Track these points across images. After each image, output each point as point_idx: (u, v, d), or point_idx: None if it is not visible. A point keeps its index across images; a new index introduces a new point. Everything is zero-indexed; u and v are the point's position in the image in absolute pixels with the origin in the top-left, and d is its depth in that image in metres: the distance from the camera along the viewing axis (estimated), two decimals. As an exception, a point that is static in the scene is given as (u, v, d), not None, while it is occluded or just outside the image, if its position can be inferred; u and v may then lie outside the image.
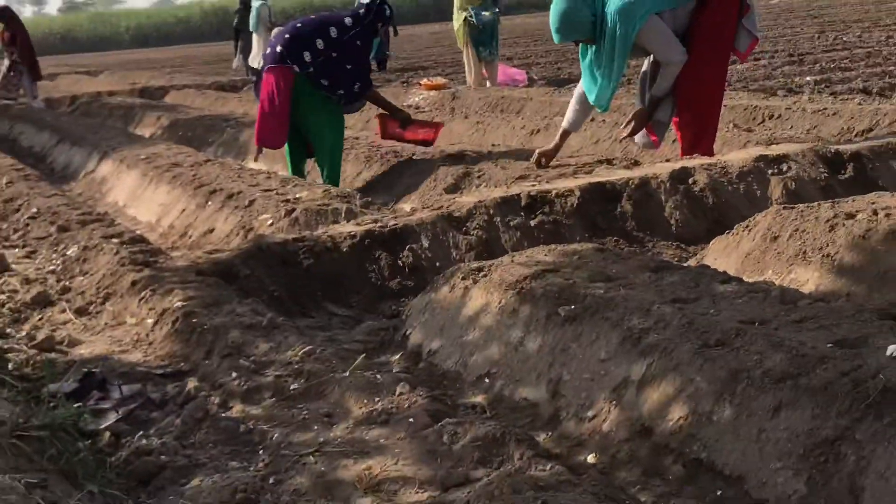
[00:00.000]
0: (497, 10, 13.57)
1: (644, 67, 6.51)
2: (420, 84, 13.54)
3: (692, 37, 6.03)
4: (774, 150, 5.64)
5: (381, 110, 7.96)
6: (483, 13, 13.24)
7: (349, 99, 7.53)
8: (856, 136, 7.19)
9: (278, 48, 7.24)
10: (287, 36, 7.29)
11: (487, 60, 13.61)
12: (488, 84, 13.43)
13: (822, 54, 13.84)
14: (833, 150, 5.64)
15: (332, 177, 7.40)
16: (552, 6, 6.15)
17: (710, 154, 6.15)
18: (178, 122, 12.75)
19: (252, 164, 8.49)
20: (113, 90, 20.20)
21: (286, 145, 7.53)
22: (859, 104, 7.92)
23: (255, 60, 20.58)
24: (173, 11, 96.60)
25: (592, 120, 8.45)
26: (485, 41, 13.51)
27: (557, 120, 9.22)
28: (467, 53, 13.80)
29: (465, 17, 13.36)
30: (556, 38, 6.29)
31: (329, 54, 7.21)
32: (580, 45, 6.34)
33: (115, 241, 5.34)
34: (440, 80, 13.52)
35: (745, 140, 7.02)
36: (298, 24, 7.47)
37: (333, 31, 7.24)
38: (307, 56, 7.16)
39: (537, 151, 6.66)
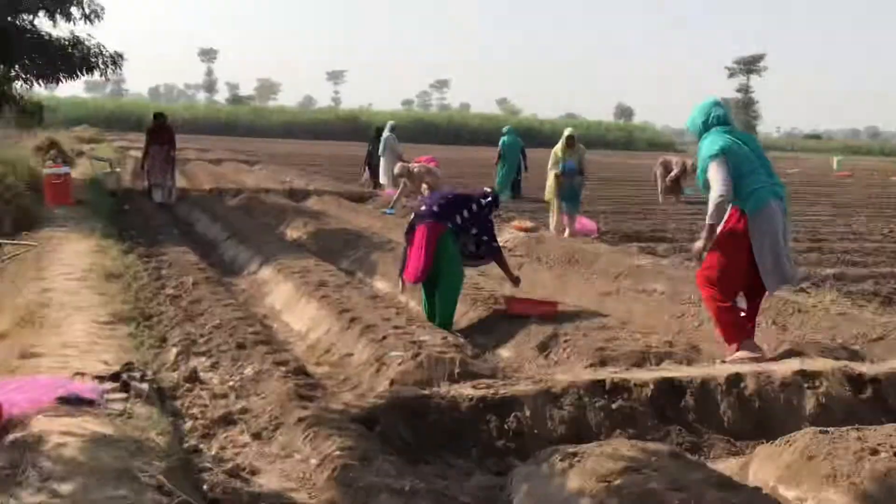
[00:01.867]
0: (583, 175, 13.76)
1: None
2: (513, 225, 13.63)
3: None
4: (810, 367, 5.58)
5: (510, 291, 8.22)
6: (568, 179, 13.43)
7: (476, 256, 7.88)
8: (870, 342, 7.11)
9: (435, 208, 7.60)
10: (443, 201, 7.72)
11: (568, 212, 13.72)
12: (567, 232, 13.52)
13: (837, 243, 13.66)
14: (858, 373, 5.57)
15: (448, 315, 7.54)
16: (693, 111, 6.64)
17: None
18: (320, 232, 13.00)
19: (395, 292, 8.60)
20: (268, 188, 20.60)
21: (422, 285, 7.70)
22: (873, 314, 7.81)
23: (383, 179, 21.00)
24: (315, 113, 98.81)
25: (660, 293, 8.50)
26: (568, 198, 13.65)
27: (626, 283, 9.28)
28: (553, 205, 13.95)
29: (555, 174, 13.57)
30: (689, 123, 6.70)
31: (470, 222, 7.66)
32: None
33: (282, 368, 5.47)
34: (529, 224, 13.60)
35: (781, 339, 6.99)
36: (451, 195, 7.94)
37: (474, 207, 7.73)
38: (457, 219, 7.57)
39: (695, 248, 6.62)
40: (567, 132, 13.84)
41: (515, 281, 8.11)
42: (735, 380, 5.35)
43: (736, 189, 6.22)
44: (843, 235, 14.79)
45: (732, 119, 6.80)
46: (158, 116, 18.27)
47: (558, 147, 13.75)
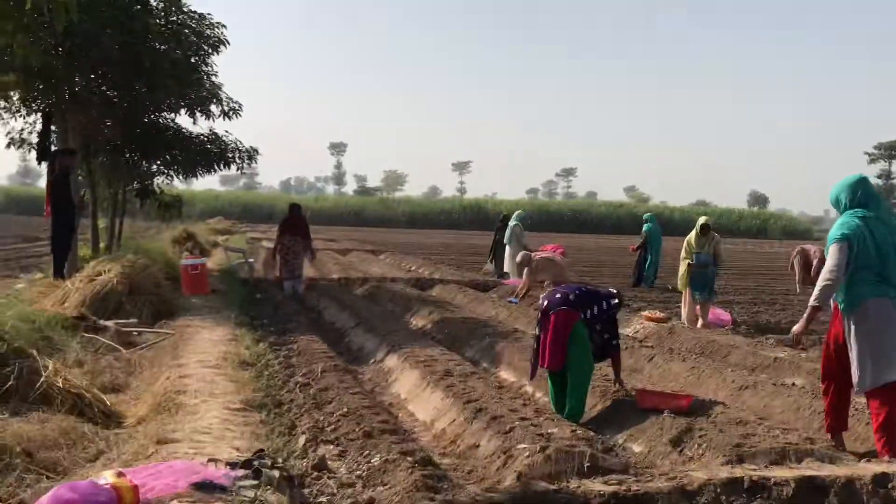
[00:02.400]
0: (716, 264, 13.55)
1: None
2: (643, 315, 13.45)
3: None
4: None
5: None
6: (701, 268, 13.27)
7: (602, 350, 7.88)
8: None
9: (571, 297, 7.68)
10: (578, 291, 7.82)
11: (701, 302, 13.48)
12: (700, 323, 13.25)
13: None
14: None
15: (578, 406, 7.50)
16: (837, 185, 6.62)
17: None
18: (445, 321, 13.08)
19: (522, 382, 8.60)
20: (394, 276, 20.95)
21: (549, 376, 7.68)
22: None
23: (507, 268, 21.12)
24: (439, 203, 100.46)
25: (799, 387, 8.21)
26: (701, 287, 13.43)
27: (763, 377, 8.98)
28: (685, 294, 13.75)
29: (689, 263, 13.41)
30: (830, 197, 6.67)
31: (598, 318, 7.76)
32: None
33: (409, 458, 5.48)
34: (659, 314, 13.41)
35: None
36: (585, 289, 8.01)
37: (604, 305, 7.82)
38: (589, 313, 7.68)
39: (794, 330, 6.90)
40: (701, 221, 13.71)
41: (621, 383, 8.09)
42: (882, 480, 5.08)
43: (846, 280, 6.33)
44: None
45: (880, 200, 6.64)
46: (294, 207, 18.18)
47: (692, 236, 13.62)
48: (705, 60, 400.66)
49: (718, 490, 4.94)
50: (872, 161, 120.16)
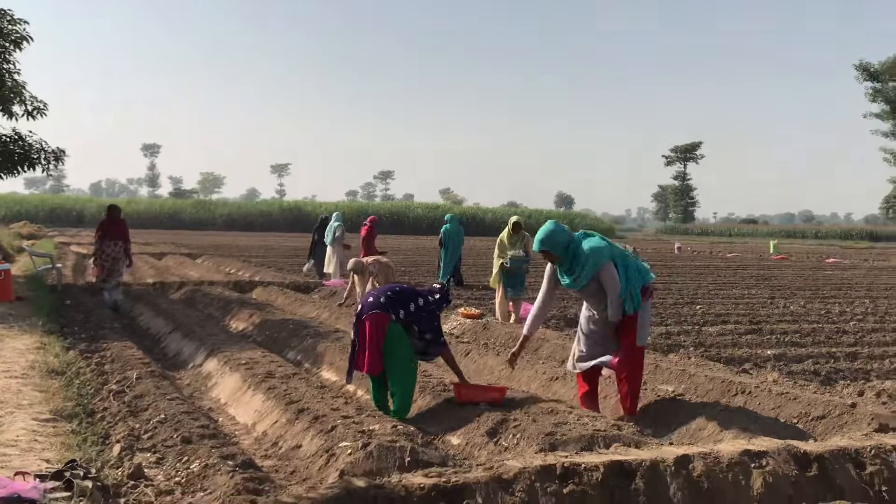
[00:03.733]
0: (528, 258, 13.87)
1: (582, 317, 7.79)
2: (459, 312, 13.67)
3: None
4: (756, 446, 5.62)
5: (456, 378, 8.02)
6: (513, 265, 13.61)
7: (425, 349, 7.74)
8: (812, 420, 7.23)
9: (382, 299, 7.50)
10: (389, 293, 7.60)
11: (513, 298, 13.84)
12: (512, 318, 13.60)
13: (776, 324, 13.91)
14: (802, 451, 5.63)
15: (404, 406, 7.44)
16: (544, 227, 7.57)
17: (635, 409, 7.55)
18: (266, 323, 12.88)
19: (338, 381, 8.53)
20: (213, 280, 20.42)
21: (371, 379, 7.58)
22: (814, 393, 7.95)
23: (329, 268, 20.97)
24: (258, 205, 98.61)
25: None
26: (513, 284, 13.78)
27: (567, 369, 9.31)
28: (498, 291, 14.07)
29: (502, 263, 13.72)
30: (537, 246, 7.50)
31: (415, 317, 7.58)
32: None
33: (230, 462, 5.37)
34: (475, 311, 13.67)
35: (726, 420, 7.07)
36: (398, 288, 7.76)
37: (421, 301, 7.65)
38: (402, 313, 7.49)
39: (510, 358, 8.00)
40: (513, 219, 14.07)
41: (460, 376, 7.97)
42: (683, 461, 5.36)
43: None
44: (782, 317, 15.07)
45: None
46: (113, 209, 16.42)
47: (504, 234, 13.96)
48: (507, 72, 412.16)
49: (533, 477, 5.07)
50: (669, 163, 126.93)
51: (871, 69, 78.81)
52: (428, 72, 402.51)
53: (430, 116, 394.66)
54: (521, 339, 7.95)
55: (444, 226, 20.57)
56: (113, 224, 15.95)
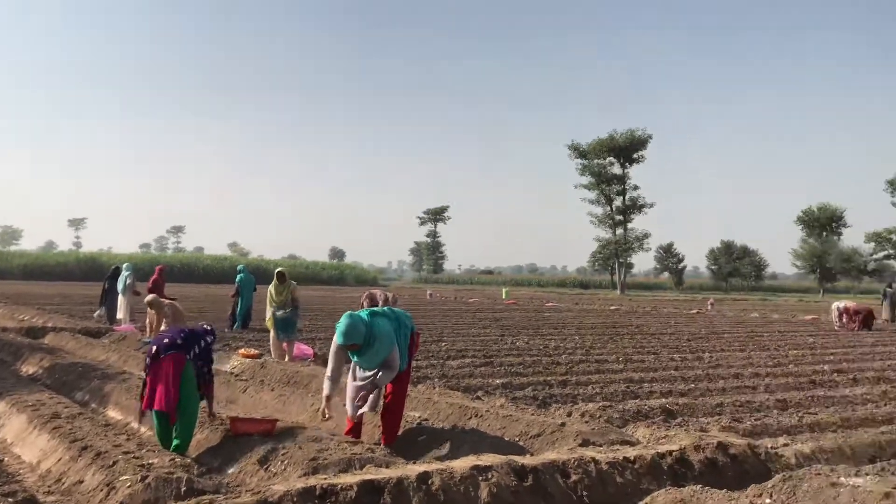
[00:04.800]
0: (296, 308, 13.77)
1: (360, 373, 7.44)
2: (240, 352, 13.26)
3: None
4: (484, 462, 5.80)
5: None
6: (281, 311, 13.50)
7: (206, 382, 7.44)
8: (530, 438, 7.54)
9: (179, 340, 7.15)
10: (183, 335, 7.26)
11: (286, 340, 13.62)
12: (286, 357, 13.36)
13: (505, 357, 14.45)
14: (520, 464, 5.86)
15: (186, 440, 7.04)
16: (342, 321, 7.06)
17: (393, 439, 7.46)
18: (56, 366, 11.89)
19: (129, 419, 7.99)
20: (5, 326, 18.64)
21: (156, 416, 7.09)
22: (532, 415, 8.31)
23: (120, 313, 19.78)
24: (55, 256, 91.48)
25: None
26: (284, 328, 13.60)
27: (337, 399, 9.22)
28: (272, 334, 13.82)
29: (273, 312, 13.53)
30: (340, 339, 7.04)
31: (202, 354, 7.33)
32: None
33: (10, 499, 4.89)
34: (253, 351, 13.29)
35: (462, 439, 7.24)
36: (188, 330, 7.43)
37: (202, 343, 7.38)
38: (193, 353, 7.19)
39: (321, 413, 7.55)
40: (277, 271, 14.03)
41: (211, 416, 7.66)
42: (424, 477, 5.43)
43: None
44: (509, 352, 15.68)
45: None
46: None
47: (273, 284, 13.82)
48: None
49: (295, 499, 4.96)
50: (423, 223, 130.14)
51: (581, 148, 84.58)
52: (207, 133, 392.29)
53: (215, 175, 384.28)
54: (324, 400, 7.48)
55: (239, 275, 20.05)
56: None
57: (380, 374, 7.27)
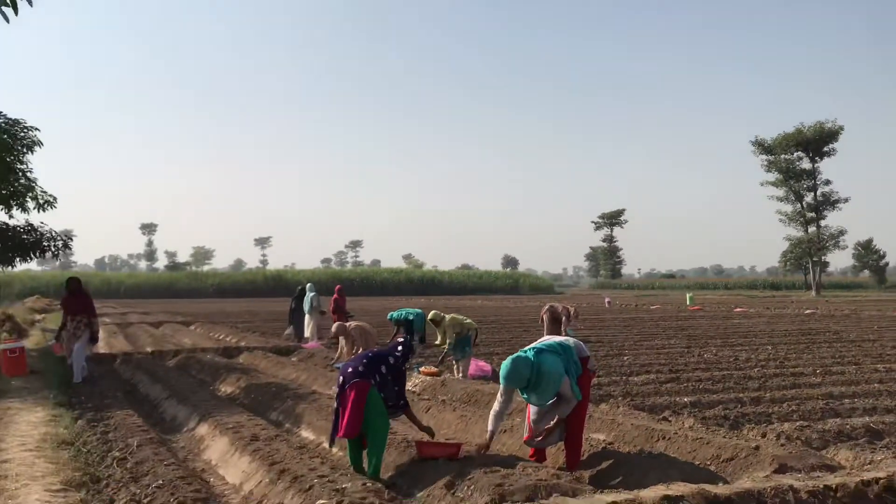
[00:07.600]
0: (466, 339, 14.05)
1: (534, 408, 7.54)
2: (420, 371, 13.69)
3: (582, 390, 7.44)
4: (674, 491, 5.70)
5: (419, 435, 8.08)
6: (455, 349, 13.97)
7: (395, 409, 7.66)
8: (722, 462, 7.31)
9: (360, 368, 7.42)
10: (365, 361, 7.51)
11: (461, 360, 13.91)
12: (459, 375, 13.68)
13: (692, 372, 14.04)
14: (713, 494, 5.71)
15: (378, 464, 7.33)
16: (505, 364, 7.20)
17: (576, 464, 7.47)
18: (251, 386, 12.77)
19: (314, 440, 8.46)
20: (204, 346, 20.22)
21: (348, 441, 7.48)
22: (724, 437, 8.05)
23: (307, 332, 20.95)
24: (244, 274, 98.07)
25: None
26: (454, 349, 13.92)
27: (517, 421, 9.33)
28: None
29: (448, 344, 13.92)
30: (503, 382, 7.20)
31: (389, 375, 7.55)
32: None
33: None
34: (434, 370, 13.69)
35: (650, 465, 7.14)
36: (370, 354, 7.68)
37: (391, 360, 7.61)
38: (377, 376, 7.43)
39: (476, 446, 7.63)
40: (428, 317, 14.67)
41: (427, 431, 7.96)
42: (608, 509, 5.42)
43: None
44: (697, 365, 15.21)
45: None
46: (71, 282, 13.99)
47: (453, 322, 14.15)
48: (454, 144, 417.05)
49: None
50: (598, 228, 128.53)
51: (766, 144, 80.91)
52: (384, 153, 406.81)
53: (392, 190, 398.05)
54: (488, 435, 7.52)
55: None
56: (73, 297, 13.90)
57: (556, 409, 7.35)
